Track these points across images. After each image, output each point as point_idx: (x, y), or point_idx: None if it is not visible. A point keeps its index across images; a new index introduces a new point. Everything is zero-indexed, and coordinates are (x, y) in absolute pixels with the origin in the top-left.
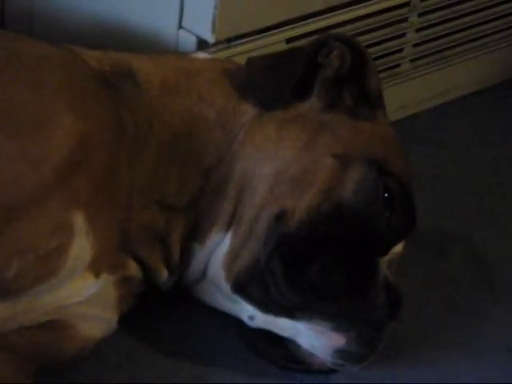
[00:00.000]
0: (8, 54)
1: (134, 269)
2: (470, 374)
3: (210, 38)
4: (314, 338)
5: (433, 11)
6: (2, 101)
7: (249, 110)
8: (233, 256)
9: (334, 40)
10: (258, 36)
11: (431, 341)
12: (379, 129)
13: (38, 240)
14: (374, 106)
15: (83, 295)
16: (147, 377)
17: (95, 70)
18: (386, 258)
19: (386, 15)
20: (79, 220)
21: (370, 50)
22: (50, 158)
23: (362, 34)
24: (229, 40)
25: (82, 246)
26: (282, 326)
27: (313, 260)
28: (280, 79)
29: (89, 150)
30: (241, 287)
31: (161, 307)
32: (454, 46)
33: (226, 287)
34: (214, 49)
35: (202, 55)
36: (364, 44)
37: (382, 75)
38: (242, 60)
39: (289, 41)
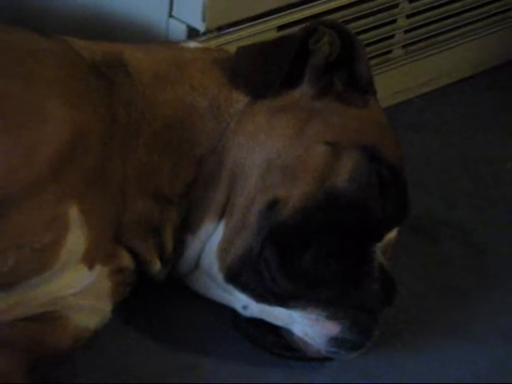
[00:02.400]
0: (1, 46)
1: (127, 260)
2: (465, 359)
3: (201, 26)
4: (308, 326)
5: None
6: None
7: (240, 99)
8: (226, 246)
9: (324, 27)
10: (248, 24)
11: (426, 327)
12: (371, 115)
13: (33, 233)
14: (366, 92)
15: (77, 286)
16: (142, 366)
17: (87, 61)
18: (380, 244)
19: (377, 1)
20: (74, 213)
21: (362, 37)
22: (43, 150)
23: (353, 20)
24: (219, 28)
25: (76, 239)
26: (276, 314)
27: (307, 248)
28: (270, 67)
29: (82, 143)
30: (234, 276)
31: (156, 297)
32: (446, 32)
33: (220, 277)
34: (204, 37)
35: (192, 44)
36: (355, 30)
37: (373, 62)
38: (233, 48)
39: (280, 28)
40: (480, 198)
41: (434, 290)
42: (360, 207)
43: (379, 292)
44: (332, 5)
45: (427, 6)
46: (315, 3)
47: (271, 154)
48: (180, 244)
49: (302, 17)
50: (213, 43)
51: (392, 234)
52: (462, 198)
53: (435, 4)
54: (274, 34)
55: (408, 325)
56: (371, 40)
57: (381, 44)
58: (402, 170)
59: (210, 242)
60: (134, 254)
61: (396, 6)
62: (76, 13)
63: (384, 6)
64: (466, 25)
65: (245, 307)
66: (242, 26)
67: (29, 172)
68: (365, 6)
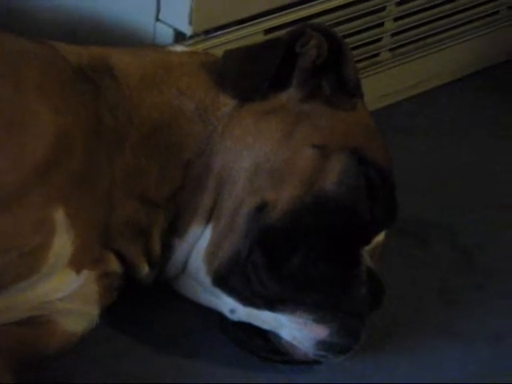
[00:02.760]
0: None
1: (114, 264)
2: (454, 361)
3: (188, 30)
4: (296, 330)
5: (411, 0)
6: None
7: (227, 103)
8: (213, 249)
9: (311, 30)
10: (235, 27)
11: (415, 329)
12: (359, 118)
13: (21, 237)
14: (353, 95)
15: (64, 291)
16: (130, 371)
17: (74, 65)
18: (368, 247)
19: (365, 4)
20: (60, 216)
21: (349, 40)
22: (29, 154)
23: (340, 23)
24: (206, 32)
25: (63, 243)
26: (264, 318)
27: (295, 251)
28: (258, 70)
29: (68, 147)
30: (222, 280)
31: (143, 301)
32: (433, 35)
33: (207, 281)
34: (191, 41)
35: (179, 48)
36: (343, 34)
37: (361, 65)
38: (220, 52)
39: (267, 32)
40: (469, 200)
41: (423, 292)
42: (348, 210)
43: (367, 295)
44: (319, 8)
45: (415, 9)
46: (302, 6)
47: (259, 158)
48: (167, 248)
49: (289, 20)
50: (200, 47)
51: (380, 237)
52: (451, 201)
53: (423, 7)
54: (261, 38)
55: (397, 327)
56: (359, 43)
57: (368, 47)
58: (391, 172)
59: (198, 245)
60: (122, 258)
61: (383, 9)
62: (63, 16)
63: (371, 9)
64: (454, 27)
65: (232, 311)
66: (229, 30)
67: (16, 175)
68: (352, 8)
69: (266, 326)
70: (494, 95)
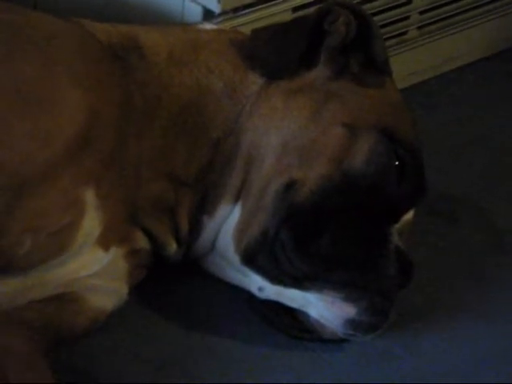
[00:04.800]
0: (15, 29)
1: (142, 241)
2: (483, 341)
3: (216, 8)
4: (324, 308)
5: None
6: (12, 78)
7: (256, 81)
8: (242, 228)
9: (339, 7)
10: (264, 5)
11: (445, 308)
12: (387, 95)
13: (50, 217)
14: (381, 73)
15: (93, 268)
16: (158, 349)
17: (103, 44)
18: (397, 226)
19: None
20: (90, 196)
21: (377, 18)
22: (60, 134)
23: (368, 1)
24: (235, 10)
25: (92, 223)
26: (292, 296)
27: (323, 230)
28: (286, 49)
29: (98, 126)
30: (250, 258)
31: (172, 279)
32: (461, 13)
33: (236, 259)
34: (220, 19)
35: (208, 26)
36: (371, 11)
37: (389, 43)
38: (248, 30)
39: (295, 10)
40: (497, 178)
41: (453, 271)
42: (377, 189)
43: (395, 274)
44: None
45: None
46: None
47: (287, 136)
48: (196, 226)
49: None
50: (228, 25)
51: (409, 216)
52: (479, 179)
53: None
54: (289, 16)
55: (427, 306)
56: (387, 21)
57: (396, 25)
58: (419, 150)
59: (226, 224)
60: (150, 236)
61: None
62: None
63: None
64: (481, 5)
65: (260, 289)
66: (257, 8)
67: (46, 155)
68: None
69: (294, 305)
70: None
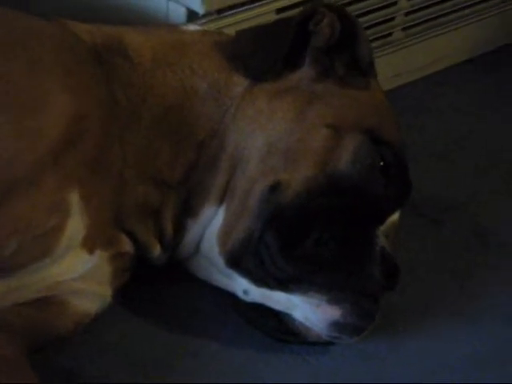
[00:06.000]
0: (3, 30)
1: (127, 244)
2: (469, 341)
3: (200, 9)
4: (309, 311)
5: None
6: None
7: (240, 82)
8: (226, 230)
9: (324, 9)
10: (248, 7)
11: (429, 309)
12: (372, 97)
13: (36, 219)
14: (366, 74)
15: (77, 271)
16: (144, 352)
17: (88, 45)
18: (383, 227)
19: None
20: (75, 199)
21: (362, 19)
22: (44, 136)
23: (353, 2)
24: (219, 11)
25: (76, 225)
26: (277, 299)
27: (308, 232)
28: (270, 50)
29: (83, 128)
30: (235, 261)
31: (157, 282)
32: (446, 14)
33: (220, 262)
34: (204, 20)
35: (192, 27)
36: (356, 13)
37: (374, 44)
38: (232, 31)
39: (279, 11)
40: (483, 179)
41: (438, 272)
42: (362, 190)
43: (381, 276)
44: None
45: None
46: None
47: (272, 137)
48: (180, 228)
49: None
50: (212, 26)
51: (394, 217)
52: (464, 181)
53: None
54: (273, 17)
55: (411, 307)
56: (372, 22)
57: (381, 27)
58: (404, 151)
59: (211, 226)
60: (134, 239)
61: None
62: None
63: None
64: (466, 7)
65: (245, 292)
66: (241, 9)
67: (32, 156)
68: None
69: (279, 307)
70: (506, 75)
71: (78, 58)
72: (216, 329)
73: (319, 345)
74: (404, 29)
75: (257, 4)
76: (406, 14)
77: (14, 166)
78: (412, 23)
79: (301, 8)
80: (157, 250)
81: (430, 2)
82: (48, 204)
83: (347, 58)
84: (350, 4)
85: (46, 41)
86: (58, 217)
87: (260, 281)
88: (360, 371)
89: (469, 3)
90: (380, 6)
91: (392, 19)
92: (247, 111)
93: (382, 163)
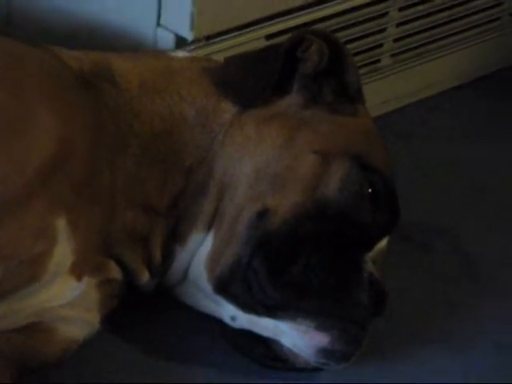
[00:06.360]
0: None
1: (115, 271)
2: (456, 370)
3: (189, 35)
4: (297, 337)
5: (413, 5)
6: None
7: (228, 109)
8: (215, 256)
9: (313, 35)
10: (237, 33)
11: (417, 336)
12: (360, 123)
13: (22, 245)
14: (354, 101)
15: (65, 298)
16: (131, 378)
17: (75, 71)
18: (371, 254)
19: (366, 10)
20: (62, 224)
21: (351, 46)
22: (32, 160)
23: (342, 29)
24: (208, 37)
25: (63, 251)
26: (265, 325)
27: (296, 258)
28: (259, 76)
29: (70, 153)
30: (223, 287)
31: (145, 309)
32: (435, 41)
33: (208, 288)
34: (192, 46)
35: (180, 54)
36: (344, 39)
37: (362, 71)
38: (221, 57)
39: (268, 37)
40: (471, 206)
41: (426, 298)
42: (350, 217)
43: (369, 302)
44: (320, 14)
45: (417, 15)
46: (304, 12)
47: (260, 164)
48: (168, 255)
49: (291, 26)
50: (201, 52)
51: (382, 243)
52: (453, 207)
53: (425, 13)
54: (262, 43)
55: (399, 334)
56: (360, 49)
57: (370, 53)
58: (392, 177)
59: (199, 252)
60: (122, 265)
61: (385, 14)
62: (63, 21)
63: (373, 15)
64: (455, 34)
65: (233, 318)
66: (230, 35)
67: (18, 182)
68: (354, 14)
69: (266, 334)
70: (495, 102)
71: (64, 84)
72: (203, 355)
73: (307, 371)
74: (393, 55)
75: (246, 30)
76: (395, 41)
77: (1, 191)
78: (401, 50)
79: (290, 34)
80: (145, 277)
81: (419, 29)
82: (34, 229)
83: (335, 85)
84: (338, 30)
85: (33, 66)
86: (44, 243)
87: (248, 307)
88: None
89: (458, 30)
90: (368, 32)
91: (380, 45)
92: (235, 137)
93: (370, 190)
